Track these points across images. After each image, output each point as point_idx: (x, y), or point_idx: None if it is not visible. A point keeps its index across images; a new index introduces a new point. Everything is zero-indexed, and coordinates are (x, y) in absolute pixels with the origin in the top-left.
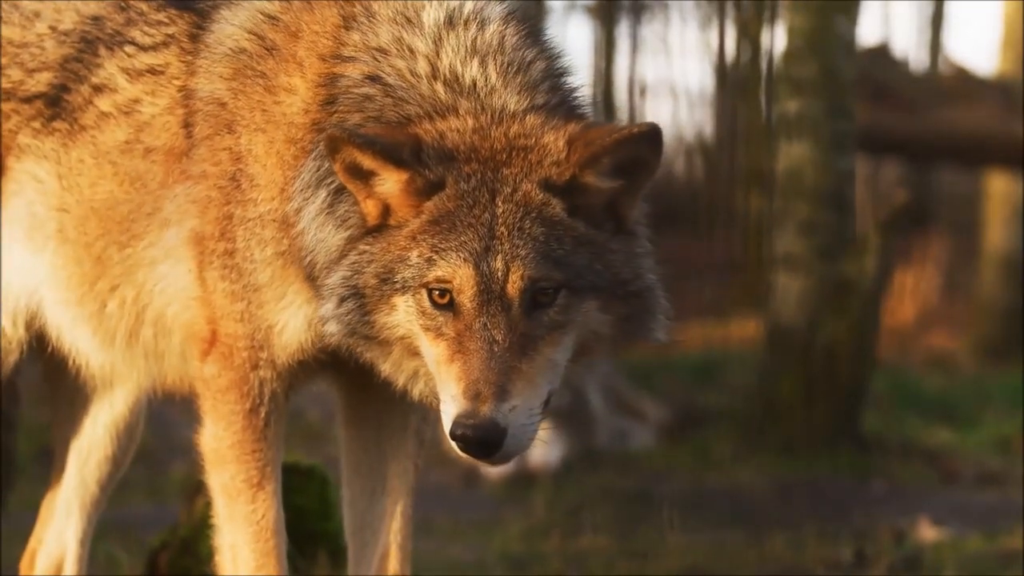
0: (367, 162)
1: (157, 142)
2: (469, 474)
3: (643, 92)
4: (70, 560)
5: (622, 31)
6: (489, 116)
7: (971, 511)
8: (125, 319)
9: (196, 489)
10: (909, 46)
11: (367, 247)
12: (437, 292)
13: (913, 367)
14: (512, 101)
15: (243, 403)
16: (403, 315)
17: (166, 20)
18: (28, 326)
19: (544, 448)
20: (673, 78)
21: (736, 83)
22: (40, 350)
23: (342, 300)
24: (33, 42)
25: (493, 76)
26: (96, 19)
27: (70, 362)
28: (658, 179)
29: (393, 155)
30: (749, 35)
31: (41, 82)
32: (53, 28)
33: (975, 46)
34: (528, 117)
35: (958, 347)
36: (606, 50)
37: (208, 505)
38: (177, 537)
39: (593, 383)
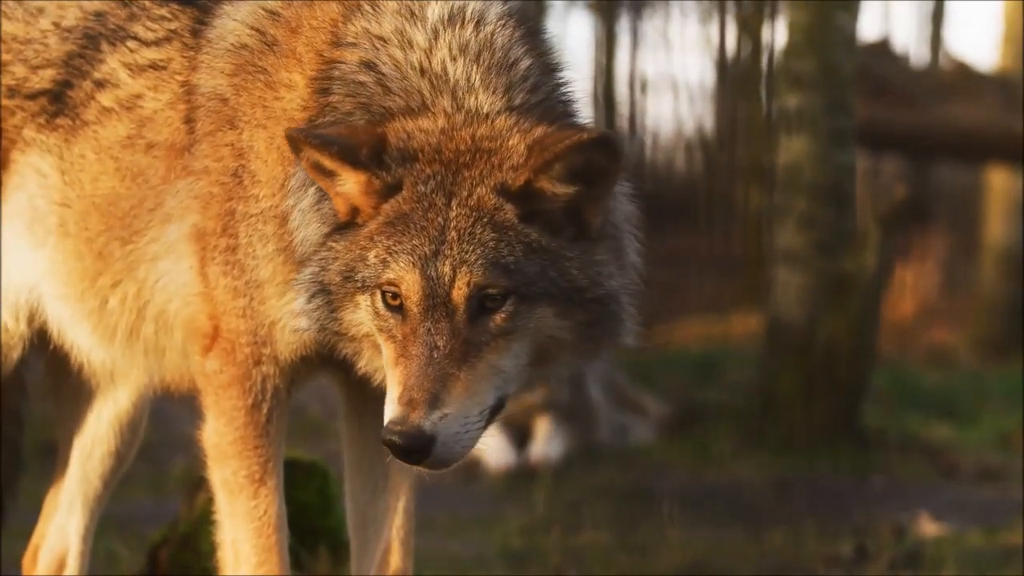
0: (326, 162)
1: (159, 137)
2: (469, 469)
3: (644, 87)
4: (72, 556)
5: (623, 26)
6: (462, 116)
7: (971, 507)
8: (126, 315)
9: (197, 485)
10: (909, 41)
11: (334, 244)
12: (389, 294)
13: (913, 363)
14: (487, 102)
15: (245, 399)
16: (364, 313)
17: (169, 15)
18: (30, 321)
19: (544, 443)
20: (674, 73)
21: (736, 78)
22: (43, 345)
23: (311, 296)
24: (37, 38)
25: (475, 76)
26: (99, 15)
27: (71, 358)
28: (658, 174)
29: (350, 156)
30: (749, 30)
31: (45, 79)
32: (56, 24)
33: (975, 42)
34: (499, 119)
35: (958, 342)
36: (607, 45)
37: (209, 501)
38: (177, 533)
39: (593, 379)
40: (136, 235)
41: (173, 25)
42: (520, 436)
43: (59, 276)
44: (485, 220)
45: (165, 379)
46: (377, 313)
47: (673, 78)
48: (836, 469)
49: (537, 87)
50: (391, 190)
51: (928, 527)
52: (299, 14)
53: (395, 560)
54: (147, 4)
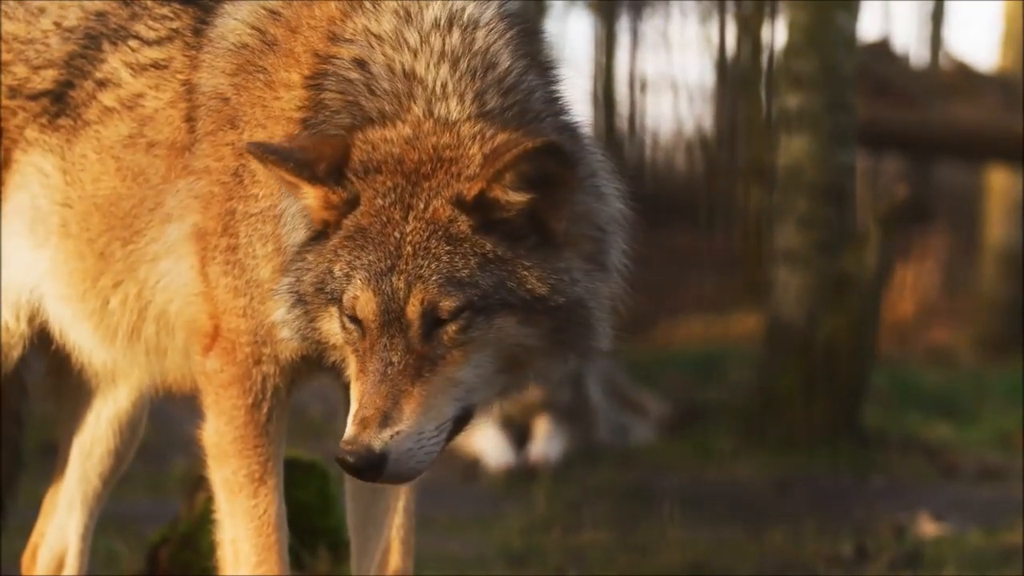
0: (286, 177)
1: (160, 136)
2: (469, 469)
3: (644, 87)
4: (71, 555)
5: (623, 26)
6: (430, 124)
7: (971, 506)
8: (127, 316)
9: (196, 484)
10: (910, 41)
11: (307, 255)
12: (353, 312)
13: (913, 362)
14: (455, 109)
15: (245, 398)
16: (337, 324)
17: (170, 15)
18: (31, 321)
19: (544, 443)
20: (674, 73)
21: (737, 78)
22: (43, 345)
23: (291, 306)
24: (38, 38)
25: (450, 82)
26: (100, 15)
27: (73, 358)
28: (658, 174)
29: (306, 172)
30: (750, 30)
31: (47, 79)
32: (58, 24)
33: (976, 42)
34: (464, 127)
35: (958, 342)
36: (607, 45)
37: (208, 500)
38: (177, 532)
39: (593, 378)
40: (137, 235)
41: (175, 24)
42: (520, 436)
43: (60, 276)
44: (440, 234)
45: (167, 380)
46: (343, 326)
47: (673, 78)
48: (836, 469)
49: (514, 89)
50: (350, 205)
51: (928, 527)
52: (299, 13)
53: (395, 559)
54: (149, 4)
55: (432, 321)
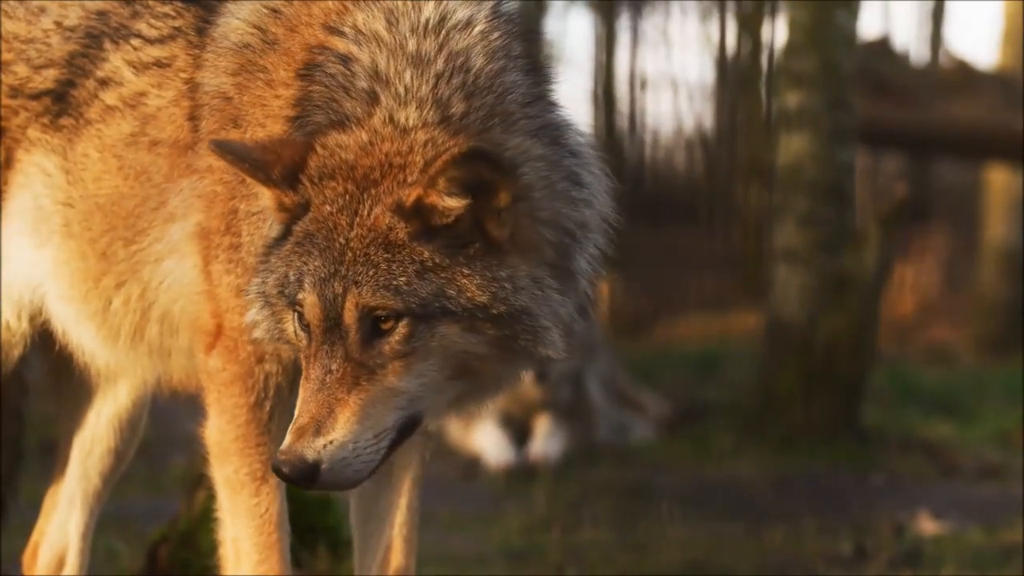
0: (243, 176)
1: (162, 135)
2: (469, 467)
3: (644, 86)
4: (72, 553)
5: (623, 24)
6: (389, 130)
7: (971, 505)
8: (130, 316)
9: (196, 482)
10: (910, 40)
11: (270, 256)
12: (301, 315)
13: (913, 360)
14: (413, 115)
15: (247, 397)
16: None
17: (173, 13)
18: (32, 320)
19: (544, 442)
20: (674, 72)
21: (737, 76)
22: (44, 344)
23: (260, 308)
24: (39, 38)
25: (412, 85)
26: (101, 14)
27: (75, 358)
28: (658, 173)
29: (261, 174)
30: (750, 29)
31: (48, 79)
32: (59, 24)
33: (976, 40)
34: (419, 133)
35: (958, 340)
36: (607, 44)
37: (208, 498)
38: (177, 530)
39: (594, 377)
40: (140, 235)
41: (177, 23)
42: (520, 434)
43: (63, 276)
44: (379, 241)
45: (171, 380)
46: (296, 332)
47: (673, 76)
48: (836, 467)
49: (484, 91)
50: (301, 209)
51: (928, 525)
52: (299, 12)
53: (398, 557)
54: (150, 2)
55: (370, 329)
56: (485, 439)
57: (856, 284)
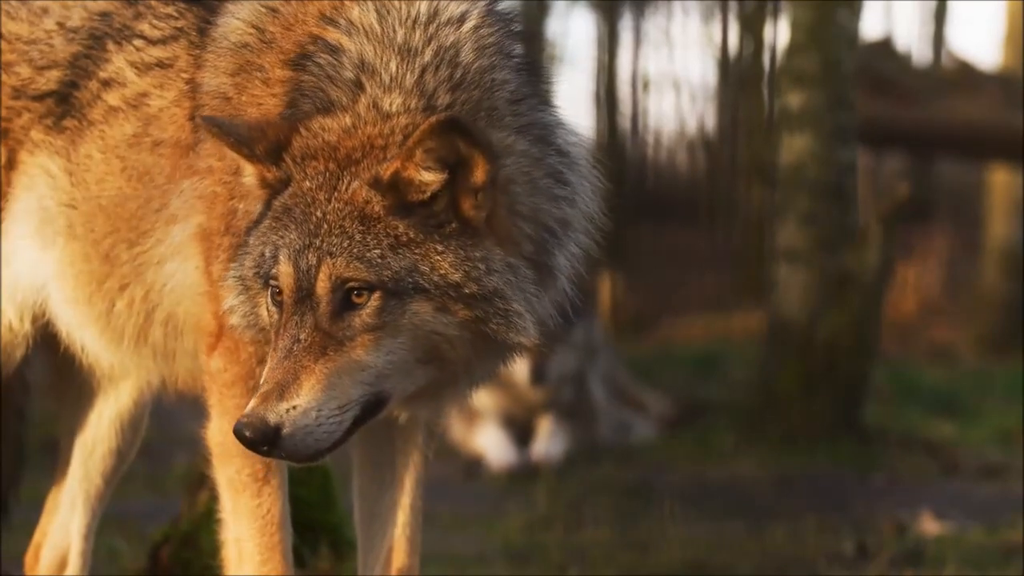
0: (229, 152)
1: (164, 135)
2: (471, 467)
3: (646, 86)
4: (74, 554)
5: (625, 25)
6: (372, 115)
7: (972, 504)
8: (133, 319)
9: (198, 482)
10: (912, 40)
11: (249, 238)
12: (275, 290)
13: (914, 359)
14: (398, 102)
15: (249, 397)
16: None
17: (175, 14)
18: (35, 321)
19: (546, 441)
20: (676, 72)
21: (738, 77)
22: (46, 344)
23: (237, 293)
24: (42, 39)
25: (398, 75)
26: (104, 15)
27: (78, 359)
28: (660, 173)
29: (244, 149)
30: (751, 29)
31: (51, 80)
32: (61, 25)
33: (977, 40)
34: (401, 118)
35: (959, 340)
36: (609, 44)
37: (210, 499)
38: (179, 530)
39: (595, 377)
40: (143, 237)
41: (179, 23)
42: (522, 434)
43: (66, 278)
44: (356, 214)
45: (176, 382)
46: (268, 311)
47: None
48: (837, 466)
49: (472, 85)
50: (281, 185)
51: (929, 525)
52: (296, 11)
53: (401, 557)
54: (153, 3)
55: (342, 301)
56: (487, 439)
57: (857, 283)
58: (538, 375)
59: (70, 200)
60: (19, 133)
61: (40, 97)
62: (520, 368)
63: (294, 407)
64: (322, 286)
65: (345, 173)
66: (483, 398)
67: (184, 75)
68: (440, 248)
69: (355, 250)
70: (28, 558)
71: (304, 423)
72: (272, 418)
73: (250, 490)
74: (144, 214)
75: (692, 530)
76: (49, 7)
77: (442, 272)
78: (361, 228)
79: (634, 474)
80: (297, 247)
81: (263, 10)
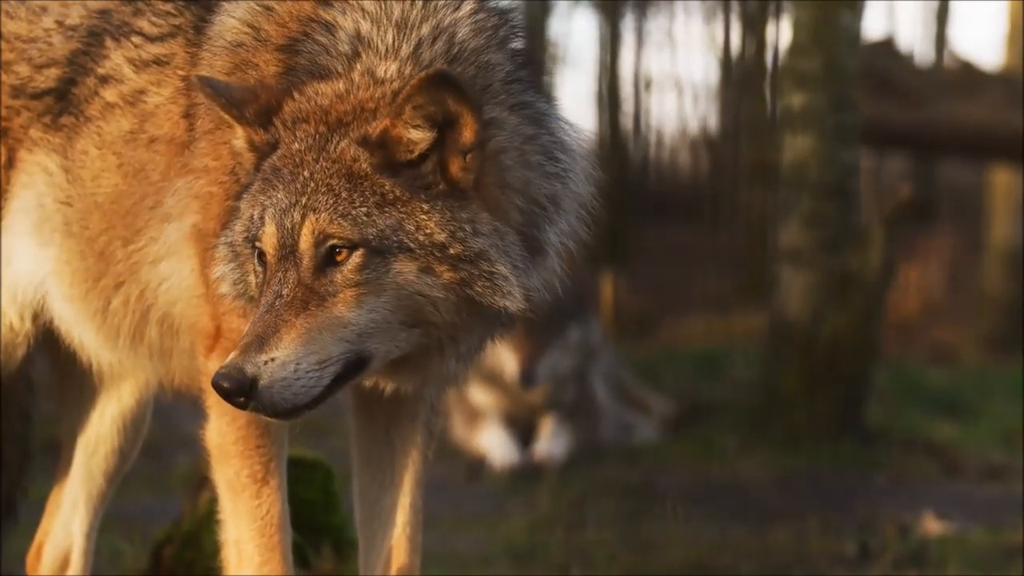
0: (220, 113)
1: (160, 131)
2: (474, 467)
3: (648, 86)
4: (76, 553)
5: (627, 25)
6: (367, 79)
7: (975, 505)
8: (129, 317)
9: (200, 483)
10: (914, 40)
11: (239, 204)
12: (260, 251)
13: (917, 360)
14: (392, 69)
15: None
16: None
17: (173, 11)
18: (36, 319)
19: (549, 441)
20: (678, 72)
21: (741, 77)
22: (48, 343)
23: (227, 260)
24: (40, 37)
25: (393, 45)
26: (103, 12)
27: (79, 358)
28: (663, 173)
29: (235, 110)
30: (754, 29)
31: (50, 78)
32: (60, 23)
33: (980, 40)
34: (395, 83)
35: (962, 340)
36: (611, 44)
37: (212, 499)
38: (181, 531)
39: (598, 377)
40: (137, 235)
41: (177, 21)
42: (525, 434)
43: (64, 276)
44: (343, 172)
45: (173, 381)
46: (254, 271)
47: (677, 77)
48: (839, 467)
49: (466, 62)
50: (269, 148)
51: (932, 525)
52: (290, 8)
53: (402, 557)
54: (152, 0)
55: (325, 257)
56: (489, 440)
57: (860, 284)
58: (526, 377)
59: (67, 197)
60: (18, 132)
61: (39, 95)
62: (510, 369)
63: (272, 359)
64: (305, 242)
65: (335, 135)
66: (484, 398)
67: (180, 72)
68: (426, 208)
69: (340, 207)
70: (30, 557)
71: (282, 375)
72: (250, 369)
73: (249, 491)
74: (139, 211)
75: (695, 530)
76: (48, 6)
77: (428, 231)
78: (348, 186)
79: (637, 474)
80: (283, 206)
81: (259, 8)
